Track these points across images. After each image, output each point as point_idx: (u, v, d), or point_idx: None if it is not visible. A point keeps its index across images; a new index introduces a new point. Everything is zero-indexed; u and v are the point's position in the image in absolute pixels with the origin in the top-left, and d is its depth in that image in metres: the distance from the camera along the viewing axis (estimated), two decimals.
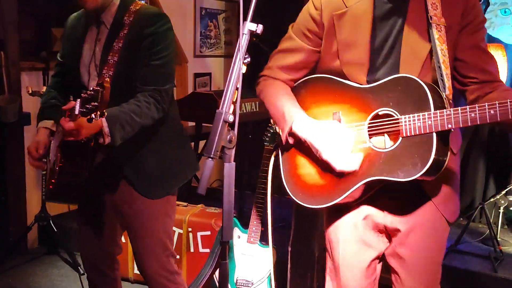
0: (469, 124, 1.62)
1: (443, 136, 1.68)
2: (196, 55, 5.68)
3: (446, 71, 1.73)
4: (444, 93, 1.71)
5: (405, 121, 1.69)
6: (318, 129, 1.81)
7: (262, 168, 3.14)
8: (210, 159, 1.50)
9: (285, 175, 1.95)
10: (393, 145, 1.73)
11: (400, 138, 1.71)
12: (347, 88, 1.84)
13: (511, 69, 4.23)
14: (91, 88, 1.71)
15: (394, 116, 1.73)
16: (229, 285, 3.15)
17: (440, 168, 1.70)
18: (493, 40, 4.32)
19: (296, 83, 1.98)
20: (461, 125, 1.63)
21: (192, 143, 5.03)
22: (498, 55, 4.13)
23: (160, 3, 4.86)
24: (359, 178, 1.77)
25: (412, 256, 1.88)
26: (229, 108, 1.51)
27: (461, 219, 4.18)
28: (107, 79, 1.71)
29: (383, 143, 1.78)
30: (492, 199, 3.79)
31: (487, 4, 4.43)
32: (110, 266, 2.44)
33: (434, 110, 1.65)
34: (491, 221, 3.72)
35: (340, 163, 1.76)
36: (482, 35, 1.83)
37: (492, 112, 1.58)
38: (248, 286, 3.09)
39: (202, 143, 5.04)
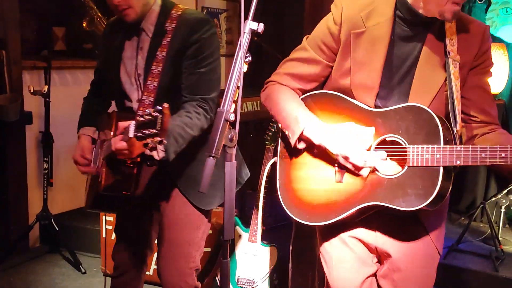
0: (478, 163, 1.63)
1: (449, 170, 1.68)
2: None
3: (458, 107, 1.73)
4: (455, 128, 1.71)
5: (413, 151, 1.68)
6: (333, 130, 1.78)
7: (263, 167, 3.15)
8: (211, 158, 1.50)
9: (280, 188, 1.92)
10: (397, 173, 1.72)
11: (406, 167, 1.70)
12: (356, 109, 1.82)
13: None
14: (147, 112, 1.60)
15: (402, 144, 1.72)
16: (230, 284, 3.15)
17: (441, 201, 1.71)
18: (494, 39, 4.32)
19: (303, 96, 1.94)
20: (470, 163, 1.64)
21: None
22: (500, 54, 4.13)
23: None
24: (359, 201, 1.76)
25: (406, 283, 1.88)
26: (230, 107, 1.52)
27: (463, 218, 4.18)
28: (166, 106, 1.58)
29: (385, 168, 1.77)
30: (493, 198, 3.79)
31: (489, 4, 4.43)
32: (140, 269, 2.40)
33: (444, 144, 1.65)
34: (492, 220, 3.72)
35: (360, 158, 1.73)
36: (488, 78, 1.85)
37: (503, 155, 1.60)
38: (249, 285, 3.10)
39: None
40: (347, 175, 1.80)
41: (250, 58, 1.51)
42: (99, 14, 3.97)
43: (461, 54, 1.76)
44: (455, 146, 1.65)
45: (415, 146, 1.68)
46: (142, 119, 1.61)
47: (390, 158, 1.76)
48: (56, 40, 4.44)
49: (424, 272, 1.89)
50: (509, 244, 3.81)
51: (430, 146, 1.66)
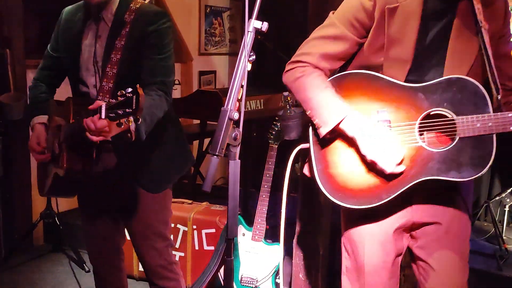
0: None
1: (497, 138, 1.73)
2: (200, 53, 5.68)
3: (496, 74, 1.76)
4: (498, 96, 1.74)
5: (463, 122, 1.72)
6: (369, 132, 1.77)
7: (267, 166, 3.14)
8: (215, 156, 1.50)
9: (319, 174, 1.85)
10: (448, 146, 1.75)
11: (457, 138, 1.73)
12: (393, 85, 1.80)
13: None
14: (119, 93, 1.70)
15: (449, 117, 1.74)
16: (233, 283, 3.15)
17: (487, 166, 1.75)
18: None
19: (332, 77, 1.88)
20: None
21: (197, 141, 5.05)
22: None
23: (165, 1, 4.86)
24: (411, 178, 1.77)
25: (445, 250, 1.91)
26: (234, 106, 1.51)
27: None
28: (138, 85, 1.69)
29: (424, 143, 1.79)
30: (497, 197, 3.78)
31: None
32: (115, 256, 2.48)
33: (493, 112, 1.70)
34: (496, 219, 3.71)
35: (390, 167, 1.75)
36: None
37: None
38: (252, 284, 3.10)
39: (207, 141, 5.04)
40: None
41: (254, 57, 1.51)
42: None
43: (489, 24, 1.79)
44: (507, 113, 1.69)
45: (464, 117, 1.72)
46: (114, 100, 1.71)
47: (437, 132, 1.79)
48: None
49: (462, 240, 1.94)
50: None
51: (480, 115, 1.70)
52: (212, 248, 3.36)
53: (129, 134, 1.97)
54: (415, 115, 1.78)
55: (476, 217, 3.76)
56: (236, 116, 1.50)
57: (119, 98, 1.71)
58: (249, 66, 1.53)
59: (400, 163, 1.76)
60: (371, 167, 1.80)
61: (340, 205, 1.83)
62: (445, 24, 1.81)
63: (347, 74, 1.87)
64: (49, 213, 3.91)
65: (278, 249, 3.09)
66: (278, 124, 3.17)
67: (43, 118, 2.29)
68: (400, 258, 1.98)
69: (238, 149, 1.54)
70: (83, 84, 2.25)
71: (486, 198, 4.04)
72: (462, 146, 1.73)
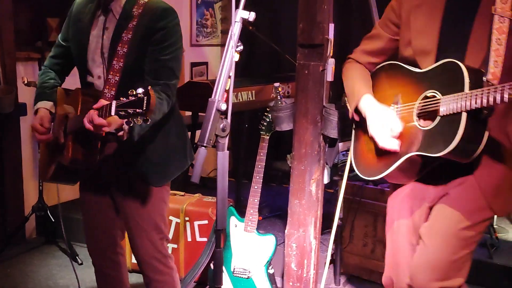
0: (496, 102, 1.70)
1: (477, 119, 1.78)
2: (192, 44, 5.66)
3: (495, 58, 1.83)
4: (485, 77, 1.81)
5: (444, 102, 1.84)
6: (376, 110, 2.06)
7: (258, 157, 3.15)
8: (203, 148, 1.51)
9: (354, 151, 2.26)
10: (432, 124, 1.89)
11: (438, 118, 1.86)
12: (408, 73, 2.05)
13: None
14: (130, 92, 1.78)
15: (437, 97, 1.89)
16: (226, 274, 3.16)
17: (470, 152, 1.82)
18: None
19: (376, 68, 2.24)
20: (485, 104, 1.71)
21: (189, 133, 5.04)
22: None
23: None
24: (402, 154, 1.98)
25: (437, 221, 2.00)
26: (222, 97, 1.52)
27: None
28: (150, 87, 1.78)
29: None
30: None
31: None
32: (113, 250, 2.48)
33: (469, 91, 1.77)
34: None
35: (383, 141, 2.00)
36: None
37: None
38: (245, 275, 3.11)
39: (198, 133, 5.03)
40: None
41: (241, 47, 1.51)
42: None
43: None
44: (476, 90, 1.74)
45: (445, 96, 1.84)
46: (125, 99, 1.78)
47: (430, 111, 1.93)
48: (50, 31, 4.40)
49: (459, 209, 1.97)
50: (504, 232, 3.84)
51: (456, 94, 1.79)
52: (205, 239, 3.37)
53: (121, 133, 2.04)
54: (416, 97, 1.98)
55: None
56: (223, 107, 1.51)
57: (129, 97, 1.78)
58: (236, 57, 1.54)
59: (395, 138, 1.98)
60: (376, 145, 2.06)
61: (359, 175, 2.21)
62: (469, 14, 1.92)
63: (380, 66, 2.22)
64: (41, 206, 3.90)
65: (270, 239, 3.10)
66: (269, 115, 3.16)
67: (47, 104, 2.32)
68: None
69: (226, 140, 1.54)
70: (90, 75, 2.28)
71: None
72: (442, 124, 1.85)
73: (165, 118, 2.23)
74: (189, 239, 3.44)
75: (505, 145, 1.94)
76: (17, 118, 4.00)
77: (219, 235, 1.60)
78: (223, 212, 1.58)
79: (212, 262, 3.22)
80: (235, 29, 1.52)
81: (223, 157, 1.53)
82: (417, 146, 1.92)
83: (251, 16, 1.53)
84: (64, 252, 3.90)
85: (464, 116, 1.77)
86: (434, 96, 1.90)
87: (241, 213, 3.21)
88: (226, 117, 1.53)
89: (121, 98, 1.80)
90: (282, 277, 3.17)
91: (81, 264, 3.74)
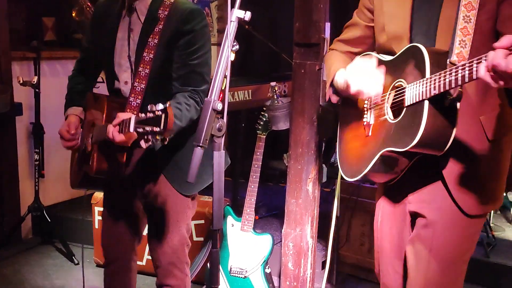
0: (454, 85, 1.53)
1: (443, 107, 1.62)
2: None
3: (461, 38, 1.69)
4: (448, 59, 1.67)
5: (408, 90, 1.69)
6: (353, 64, 1.86)
7: (255, 156, 3.14)
8: (199, 147, 1.50)
9: (338, 152, 2.10)
10: (399, 117, 1.73)
11: (405, 109, 1.70)
12: (379, 63, 1.86)
13: None
14: (149, 109, 1.70)
15: (402, 86, 1.73)
16: (223, 274, 3.16)
17: (441, 143, 1.66)
18: None
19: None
20: (443, 89, 1.55)
21: None
22: None
23: None
24: (377, 150, 1.81)
25: (425, 252, 1.85)
26: (217, 96, 1.51)
27: None
28: (169, 105, 1.70)
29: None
30: None
31: None
32: (129, 257, 2.43)
33: (430, 75, 1.60)
34: None
35: (358, 84, 1.79)
36: None
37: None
38: (242, 274, 3.10)
39: None
40: (372, 128, 1.89)
41: (237, 46, 1.51)
42: (88, 4, 3.93)
43: None
44: (434, 75, 1.58)
45: (409, 84, 1.68)
46: (143, 115, 1.71)
47: (398, 103, 1.76)
48: (46, 30, 4.40)
49: (448, 242, 1.85)
50: (501, 230, 3.84)
51: (419, 81, 1.63)
52: (201, 239, 3.36)
53: (145, 145, 1.89)
54: (387, 89, 1.82)
55: None
56: (219, 106, 1.50)
57: (148, 114, 1.71)
58: (232, 56, 1.53)
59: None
60: (359, 140, 1.93)
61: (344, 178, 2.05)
62: None
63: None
64: (37, 206, 3.89)
65: (267, 239, 3.09)
66: (266, 114, 3.16)
67: (77, 110, 2.30)
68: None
69: (222, 140, 1.54)
70: (117, 79, 2.20)
71: None
72: (408, 115, 1.69)
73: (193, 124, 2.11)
74: None
75: (478, 137, 1.77)
76: (12, 118, 3.99)
77: (215, 236, 1.60)
78: (220, 212, 1.57)
79: (209, 262, 3.21)
80: (231, 29, 1.52)
81: (219, 157, 1.53)
82: (388, 141, 1.76)
83: (247, 15, 1.52)
84: (60, 252, 3.90)
85: (426, 104, 1.60)
86: (401, 86, 1.75)
87: (238, 212, 3.20)
88: (222, 117, 1.52)
89: (140, 114, 1.73)
90: (279, 277, 3.17)
91: (77, 264, 3.73)
